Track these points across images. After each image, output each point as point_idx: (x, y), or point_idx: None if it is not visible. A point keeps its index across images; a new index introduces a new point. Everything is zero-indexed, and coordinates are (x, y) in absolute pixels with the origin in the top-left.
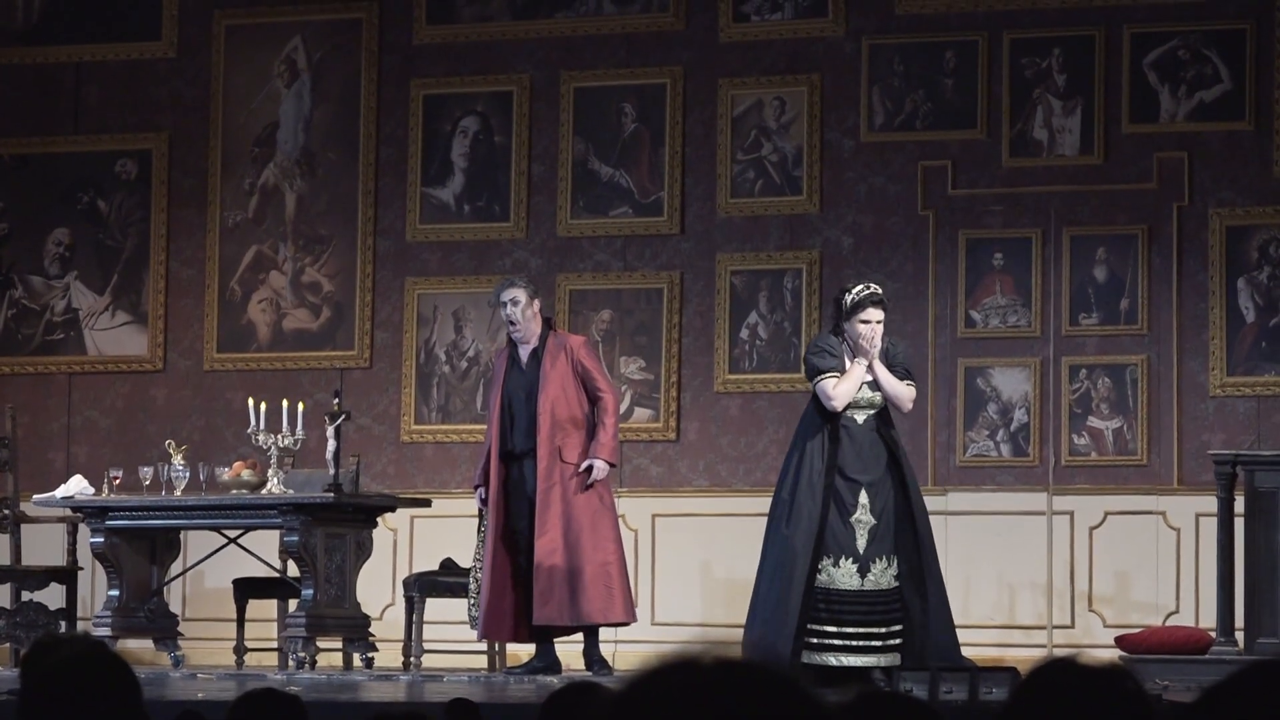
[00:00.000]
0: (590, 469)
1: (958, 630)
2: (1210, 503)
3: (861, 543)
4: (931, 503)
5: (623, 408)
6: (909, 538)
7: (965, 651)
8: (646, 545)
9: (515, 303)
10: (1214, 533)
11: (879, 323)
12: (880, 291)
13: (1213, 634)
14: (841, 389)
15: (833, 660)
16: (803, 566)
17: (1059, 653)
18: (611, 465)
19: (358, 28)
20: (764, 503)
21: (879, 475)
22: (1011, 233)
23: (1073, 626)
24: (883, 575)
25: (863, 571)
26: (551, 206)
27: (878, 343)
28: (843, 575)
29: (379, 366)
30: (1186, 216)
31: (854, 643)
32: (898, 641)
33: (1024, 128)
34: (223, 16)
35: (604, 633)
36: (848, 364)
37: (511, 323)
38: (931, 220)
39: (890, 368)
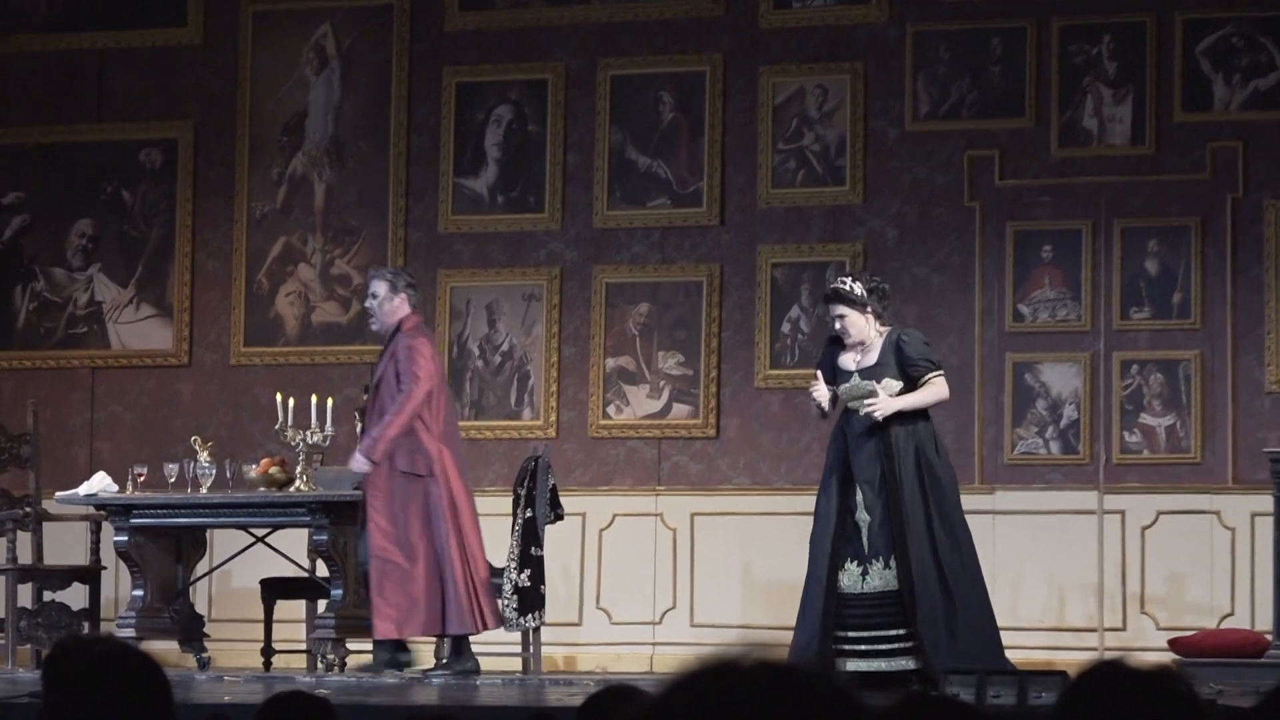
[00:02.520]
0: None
1: (1005, 632)
2: (1266, 502)
3: (864, 542)
4: (978, 501)
5: (659, 404)
6: (904, 538)
7: (1013, 655)
8: (685, 545)
9: (374, 295)
10: (1270, 532)
11: (840, 317)
12: (837, 286)
13: (1269, 636)
14: (812, 409)
15: (848, 666)
16: (820, 568)
17: (1111, 656)
18: (373, 462)
19: (388, 13)
20: (806, 501)
21: (876, 474)
22: (1061, 224)
23: (1124, 629)
24: (879, 576)
25: (865, 573)
26: (587, 197)
27: (853, 337)
28: (847, 577)
29: None
30: (1241, 208)
31: (860, 647)
32: (909, 645)
33: (1073, 116)
34: (250, 2)
35: (642, 634)
36: (846, 356)
37: (369, 314)
38: (978, 211)
39: (905, 368)
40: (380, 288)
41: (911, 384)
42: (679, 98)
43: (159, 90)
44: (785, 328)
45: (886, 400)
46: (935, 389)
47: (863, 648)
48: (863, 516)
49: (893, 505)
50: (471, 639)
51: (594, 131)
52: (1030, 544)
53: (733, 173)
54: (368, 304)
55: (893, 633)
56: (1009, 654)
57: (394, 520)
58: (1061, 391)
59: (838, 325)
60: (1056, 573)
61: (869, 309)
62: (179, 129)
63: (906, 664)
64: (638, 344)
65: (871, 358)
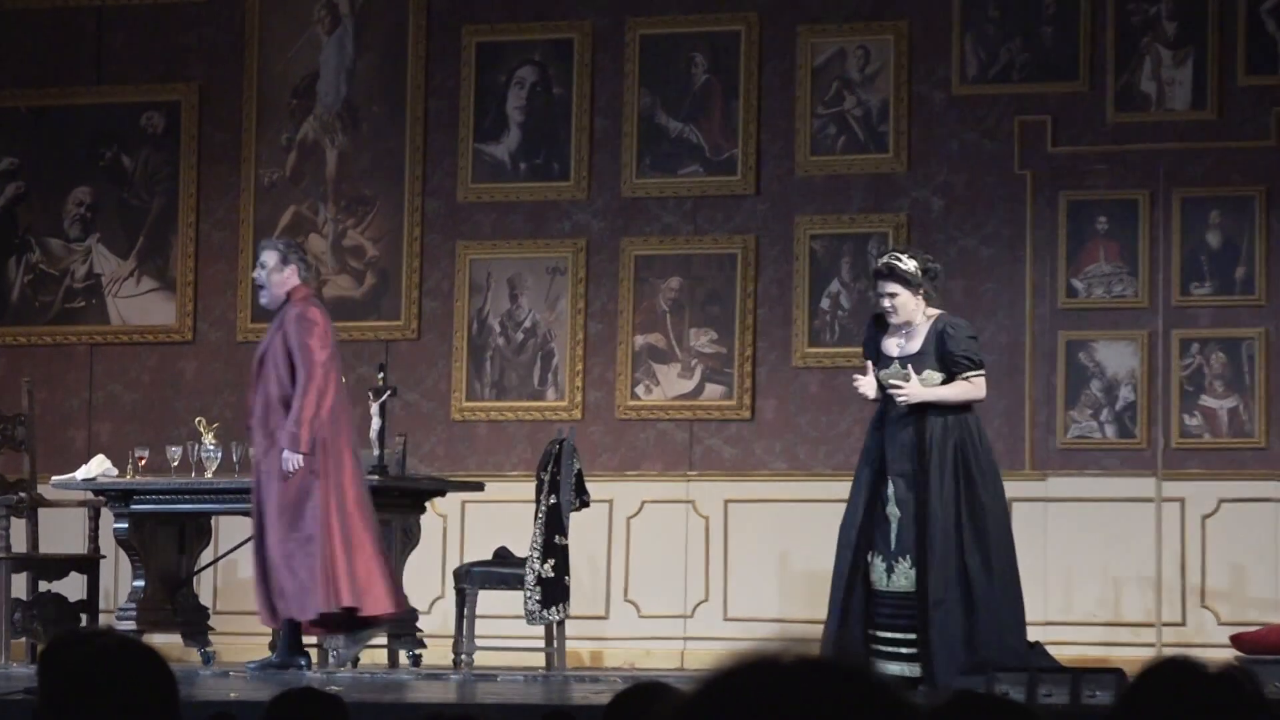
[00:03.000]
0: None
1: (1057, 627)
2: None
3: (892, 538)
4: (1029, 489)
5: (691, 384)
6: (926, 539)
7: (1066, 651)
8: (719, 533)
9: (263, 266)
10: None
11: (890, 296)
12: (891, 262)
13: None
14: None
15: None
16: (843, 561)
17: (1169, 652)
18: (302, 454)
19: None
20: (846, 487)
21: (910, 467)
22: (1117, 194)
23: (1184, 624)
24: (905, 576)
25: (890, 570)
26: (615, 165)
27: (900, 317)
28: (875, 573)
29: (427, 338)
30: None
31: (883, 648)
32: (917, 651)
33: (1130, 80)
34: None
35: (673, 628)
36: (889, 340)
37: (257, 285)
38: (1029, 180)
39: (946, 361)
40: (270, 258)
41: (951, 378)
42: (712, 59)
43: (161, 50)
44: (824, 303)
45: (914, 387)
46: (970, 388)
47: (887, 649)
48: (893, 511)
49: (922, 502)
50: (496, 631)
51: (622, 95)
52: (1084, 534)
53: (769, 139)
54: (255, 274)
55: (913, 636)
56: (1061, 650)
57: (283, 500)
58: (1117, 372)
59: (886, 304)
60: (1112, 565)
61: (921, 290)
62: (182, 91)
63: (913, 670)
64: (668, 320)
65: (915, 344)
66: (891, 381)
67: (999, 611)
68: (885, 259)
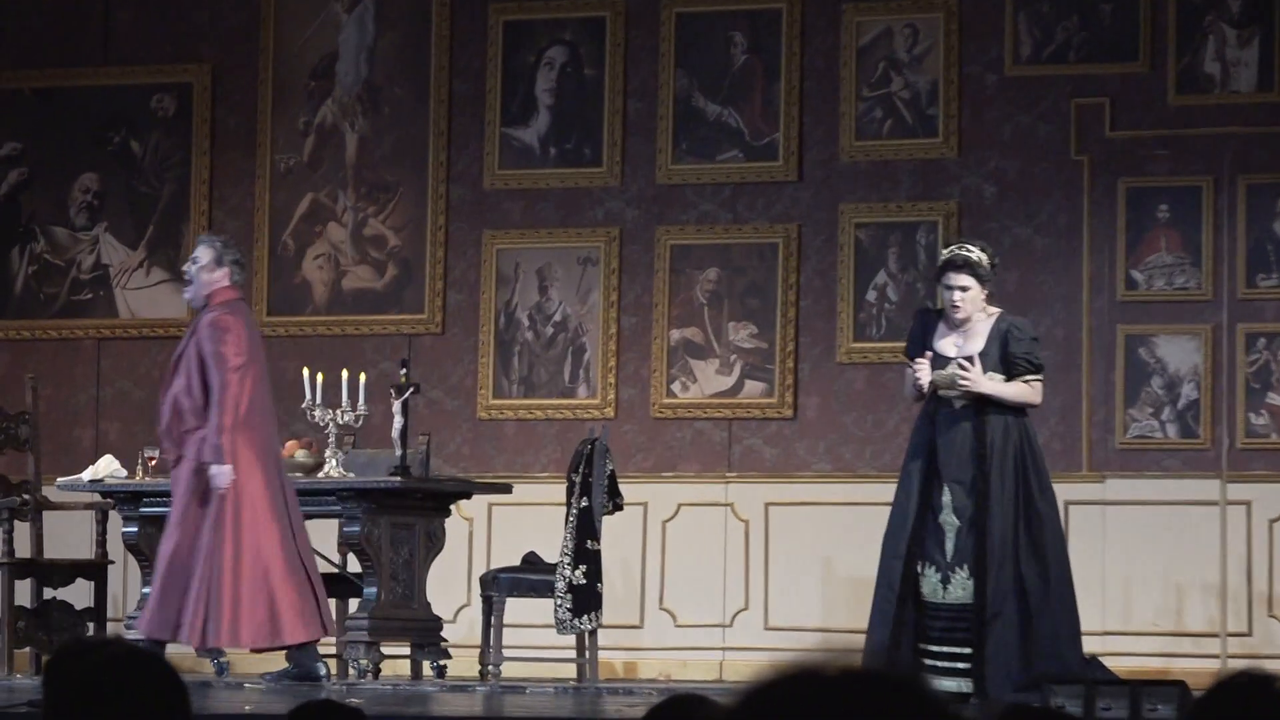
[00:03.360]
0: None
1: (1116, 637)
2: None
3: (949, 547)
4: (1086, 491)
5: (730, 380)
6: (984, 548)
7: (1126, 662)
8: (759, 538)
9: (194, 260)
10: None
11: (962, 289)
12: (965, 253)
13: None
14: (907, 387)
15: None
16: (892, 572)
17: (1235, 664)
18: (224, 465)
19: None
20: (893, 490)
21: (969, 474)
22: (1179, 181)
23: (1250, 634)
24: (962, 587)
25: (945, 581)
26: (650, 150)
27: (965, 312)
28: (927, 584)
29: (452, 332)
30: None
31: (938, 663)
32: (971, 666)
33: (1193, 60)
34: None
35: (711, 638)
36: (945, 339)
37: (185, 279)
38: (1086, 166)
39: (1008, 361)
40: (204, 254)
41: (1008, 379)
42: (752, 38)
43: (172, 29)
44: (870, 295)
45: (979, 375)
46: (1029, 391)
47: (942, 664)
48: (949, 519)
49: (981, 509)
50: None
51: (657, 76)
52: (1144, 539)
53: (812, 123)
54: (185, 268)
55: (969, 650)
56: (1120, 662)
57: (185, 516)
58: (1179, 368)
59: (954, 297)
60: (1174, 571)
61: (988, 285)
62: (194, 72)
63: (967, 686)
64: (706, 314)
65: (976, 344)
66: (960, 362)
67: (1055, 624)
68: (956, 249)
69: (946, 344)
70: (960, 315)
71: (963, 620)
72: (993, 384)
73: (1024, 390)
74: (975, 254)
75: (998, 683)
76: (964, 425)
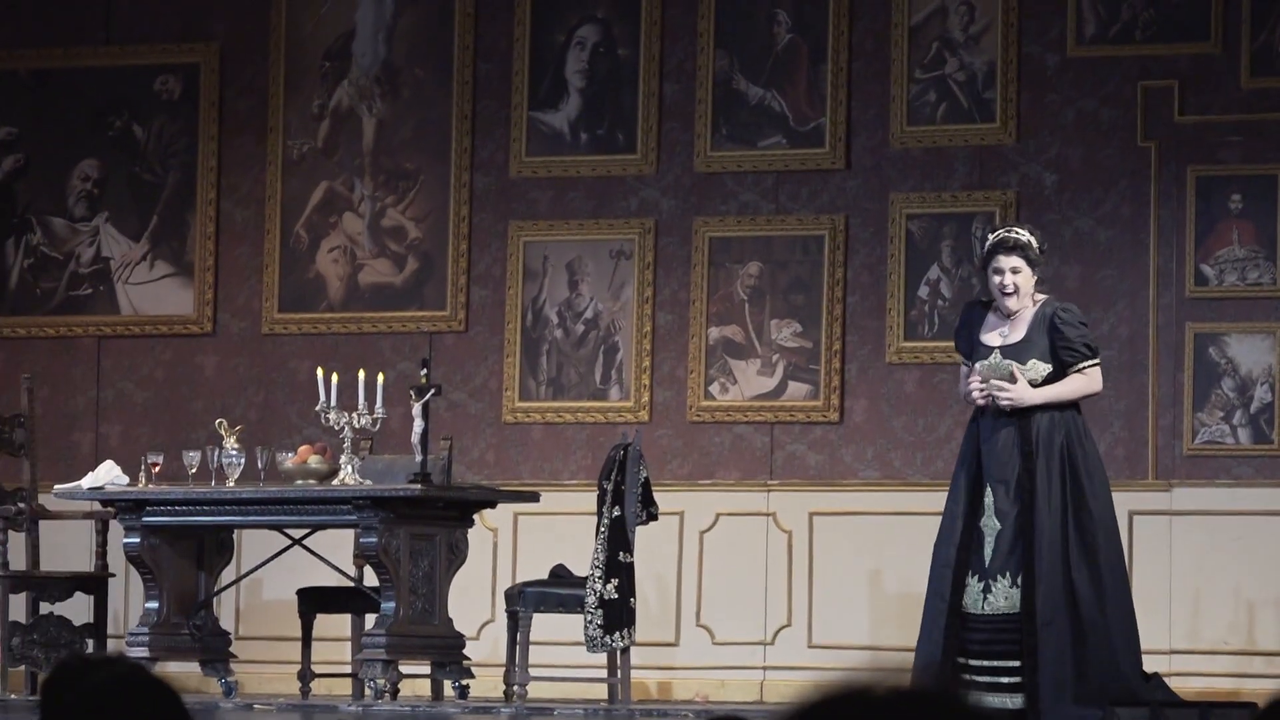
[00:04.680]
0: None
1: (1183, 656)
2: None
3: (987, 553)
4: (1152, 500)
5: (772, 382)
6: (1032, 554)
7: (1192, 683)
8: (803, 550)
9: None
10: None
11: (1013, 271)
12: (1015, 235)
13: None
14: (961, 386)
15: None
16: (942, 582)
17: None
18: None
19: None
20: (944, 498)
21: (1013, 473)
22: (1252, 169)
23: None
24: (1004, 596)
25: (986, 590)
26: (688, 135)
27: (1015, 300)
28: (969, 594)
29: (476, 330)
30: None
31: (979, 678)
32: (1020, 680)
33: (1268, 40)
34: None
35: (751, 656)
36: (992, 332)
37: None
38: (1154, 153)
39: (1058, 351)
40: None
41: (1062, 369)
42: (796, 16)
43: (178, 6)
44: (923, 291)
45: (1023, 389)
46: (1087, 381)
47: (984, 679)
48: (990, 523)
49: (1026, 511)
50: (552, 659)
51: (695, 57)
52: (1214, 551)
53: (860, 107)
54: None
55: (1014, 664)
56: (1187, 682)
57: None
58: (1252, 369)
59: (1005, 280)
60: (1245, 585)
61: (1038, 269)
62: (201, 53)
63: (1015, 702)
64: (746, 311)
65: (1019, 332)
66: (995, 382)
67: (1110, 636)
68: (1005, 231)
69: (992, 336)
70: (1014, 303)
71: (1005, 632)
72: (1041, 393)
73: (1081, 384)
74: (1025, 236)
75: (1050, 698)
76: (1008, 422)
